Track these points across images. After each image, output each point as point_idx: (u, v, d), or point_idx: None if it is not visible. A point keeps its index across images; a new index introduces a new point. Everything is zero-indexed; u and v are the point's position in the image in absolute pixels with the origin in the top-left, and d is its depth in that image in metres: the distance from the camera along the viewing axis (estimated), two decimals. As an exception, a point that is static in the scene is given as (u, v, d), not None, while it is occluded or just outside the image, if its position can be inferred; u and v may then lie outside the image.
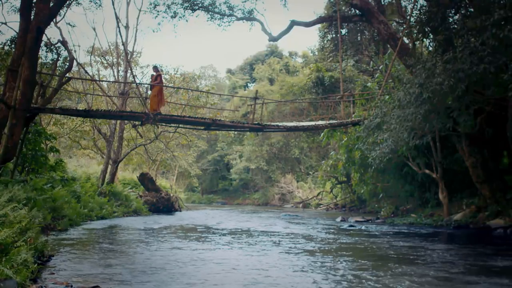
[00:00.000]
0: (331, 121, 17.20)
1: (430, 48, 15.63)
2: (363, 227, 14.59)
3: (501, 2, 10.31)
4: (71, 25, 19.34)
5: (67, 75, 16.99)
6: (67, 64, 16.95)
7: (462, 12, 12.32)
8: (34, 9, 12.03)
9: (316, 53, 41.14)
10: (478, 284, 5.59)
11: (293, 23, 18.71)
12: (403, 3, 19.69)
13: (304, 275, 6.02)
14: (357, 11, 17.67)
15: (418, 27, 13.62)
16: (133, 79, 17.62)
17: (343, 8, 20.70)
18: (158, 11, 20.06)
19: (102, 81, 23.18)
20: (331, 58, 31.46)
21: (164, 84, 15.96)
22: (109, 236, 10.78)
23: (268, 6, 68.71)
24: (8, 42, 15.80)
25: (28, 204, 9.15)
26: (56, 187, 13.65)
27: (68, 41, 17.42)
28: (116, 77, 23.40)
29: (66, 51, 16.92)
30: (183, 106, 22.71)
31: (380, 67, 21.91)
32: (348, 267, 6.69)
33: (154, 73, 15.89)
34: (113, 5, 15.17)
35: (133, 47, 26.78)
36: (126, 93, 21.04)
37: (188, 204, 31.12)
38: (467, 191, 16.10)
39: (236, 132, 37.09)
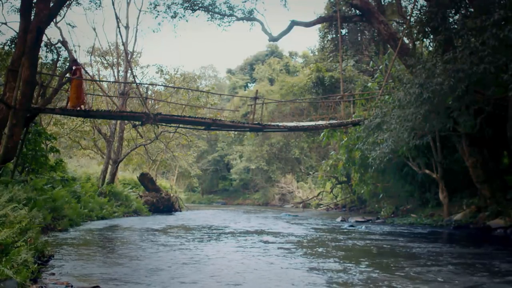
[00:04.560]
0: (331, 121, 17.19)
1: (430, 48, 15.64)
2: (363, 227, 14.59)
3: (501, 2, 10.32)
4: (71, 25, 19.43)
5: (67, 75, 16.98)
6: (67, 64, 16.95)
7: (462, 12, 12.32)
8: (34, 9, 12.03)
9: (316, 53, 41.17)
10: (478, 284, 5.58)
11: (293, 23, 18.71)
12: (403, 3, 19.71)
13: (304, 275, 6.02)
14: (357, 11, 17.66)
15: (418, 27, 13.62)
16: (133, 79, 17.60)
17: (343, 8, 20.72)
18: (158, 11, 20.10)
19: (102, 81, 23.18)
20: (331, 58, 31.51)
21: (83, 78, 14.96)
22: (109, 236, 10.78)
23: (268, 6, 69.12)
24: (8, 42, 15.81)
25: (28, 204, 9.15)
26: (56, 187, 13.65)
27: (68, 41, 17.44)
28: (116, 77, 23.41)
29: (66, 51, 16.92)
30: (184, 106, 22.71)
31: (380, 67, 21.91)
32: (348, 267, 6.68)
33: (73, 67, 14.53)
34: (113, 5, 15.19)
35: (133, 47, 26.85)
36: (126, 93, 21.03)
37: (188, 204, 31.11)
38: (467, 191, 16.10)
39: (236, 132, 37.07)
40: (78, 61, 15.80)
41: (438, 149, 15.31)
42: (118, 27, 15.75)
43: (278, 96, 37.72)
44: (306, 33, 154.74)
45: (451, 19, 12.57)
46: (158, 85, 25.29)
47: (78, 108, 13.84)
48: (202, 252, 8.15)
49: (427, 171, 15.97)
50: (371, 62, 27.41)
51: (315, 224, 16.09)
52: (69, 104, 14.05)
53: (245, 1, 19.78)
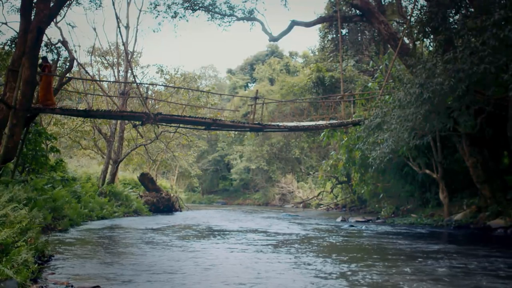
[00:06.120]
0: (331, 121, 17.18)
1: (431, 48, 15.63)
2: (363, 227, 14.59)
3: (502, 2, 10.31)
4: (71, 25, 19.43)
5: (68, 75, 17.00)
6: (68, 64, 16.97)
7: (463, 12, 12.32)
8: (34, 9, 12.04)
9: (317, 53, 41.12)
10: (478, 284, 5.58)
11: (294, 23, 18.71)
12: (404, 3, 19.70)
13: (303, 275, 6.02)
14: (358, 11, 17.66)
15: (418, 27, 13.62)
16: (133, 79, 17.62)
17: (344, 8, 20.68)
18: (158, 11, 20.11)
19: (103, 81, 23.18)
20: (331, 58, 31.44)
21: (52, 74, 14.20)
22: (110, 236, 10.79)
23: (269, 6, 68.91)
24: (8, 42, 15.81)
25: (28, 204, 9.16)
26: (57, 187, 13.65)
27: (69, 41, 17.46)
28: (117, 77, 23.41)
29: (66, 51, 16.95)
30: (184, 106, 22.70)
31: (380, 67, 21.90)
32: (347, 266, 6.68)
33: (42, 64, 13.61)
34: (114, 5, 15.21)
35: (134, 47, 26.85)
36: (126, 93, 21.04)
37: (188, 204, 31.11)
38: (468, 191, 16.09)
39: (236, 132, 37.07)
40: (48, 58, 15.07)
41: (439, 149, 15.30)
42: (118, 27, 15.78)
43: (278, 96, 37.72)
44: (306, 33, 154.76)
45: (451, 19, 12.56)
46: (159, 85, 25.30)
47: (48, 104, 12.95)
48: (201, 252, 8.15)
49: (427, 171, 15.97)
50: (371, 62, 27.38)
51: (315, 224, 16.09)
52: (40, 101, 13.12)
53: (245, 1, 19.81)
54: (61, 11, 15.96)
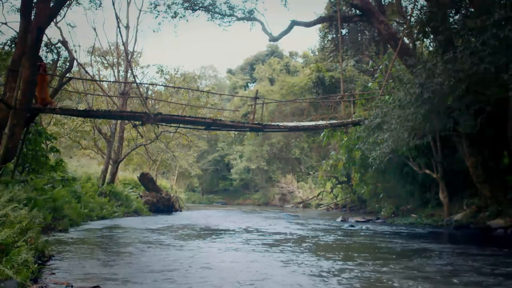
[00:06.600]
0: (331, 121, 17.19)
1: (431, 48, 15.62)
2: (363, 227, 14.59)
3: (502, 2, 10.31)
4: (71, 26, 19.39)
5: (68, 75, 17.00)
6: (68, 64, 16.96)
7: (463, 12, 12.32)
8: (35, 9, 12.03)
9: (317, 53, 41.15)
10: (477, 284, 5.58)
11: (294, 23, 18.69)
12: (404, 3, 19.68)
13: (300, 274, 6.02)
14: (358, 11, 17.64)
15: (418, 27, 13.62)
16: (133, 79, 17.61)
17: (344, 8, 20.68)
18: (158, 11, 20.07)
19: (103, 81, 23.18)
20: (331, 58, 31.49)
21: (47, 74, 13.87)
22: (110, 236, 10.78)
23: (269, 6, 68.90)
24: (8, 42, 15.80)
25: (28, 204, 9.15)
26: (57, 187, 13.63)
27: (69, 41, 17.46)
28: (117, 77, 23.40)
29: (66, 51, 16.94)
30: (184, 106, 22.70)
31: (380, 67, 21.89)
32: (347, 266, 6.68)
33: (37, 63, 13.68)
34: (114, 5, 15.17)
35: (134, 47, 26.82)
36: (126, 93, 21.04)
37: (188, 204, 31.12)
38: (468, 191, 16.08)
39: (236, 132, 37.09)
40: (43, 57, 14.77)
41: (439, 149, 15.30)
42: (118, 27, 15.77)
43: (279, 96, 37.71)
44: (307, 33, 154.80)
45: (451, 19, 12.56)
46: (159, 85, 25.31)
47: (46, 102, 12.79)
48: (201, 251, 8.16)
49: (427, 171, 15.97)
50: (371, 62, 27.39)
51: (315, 224, 16.09)
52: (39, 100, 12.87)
53: (245, 1, 19.78)
54: (61, 11, 15.95)
